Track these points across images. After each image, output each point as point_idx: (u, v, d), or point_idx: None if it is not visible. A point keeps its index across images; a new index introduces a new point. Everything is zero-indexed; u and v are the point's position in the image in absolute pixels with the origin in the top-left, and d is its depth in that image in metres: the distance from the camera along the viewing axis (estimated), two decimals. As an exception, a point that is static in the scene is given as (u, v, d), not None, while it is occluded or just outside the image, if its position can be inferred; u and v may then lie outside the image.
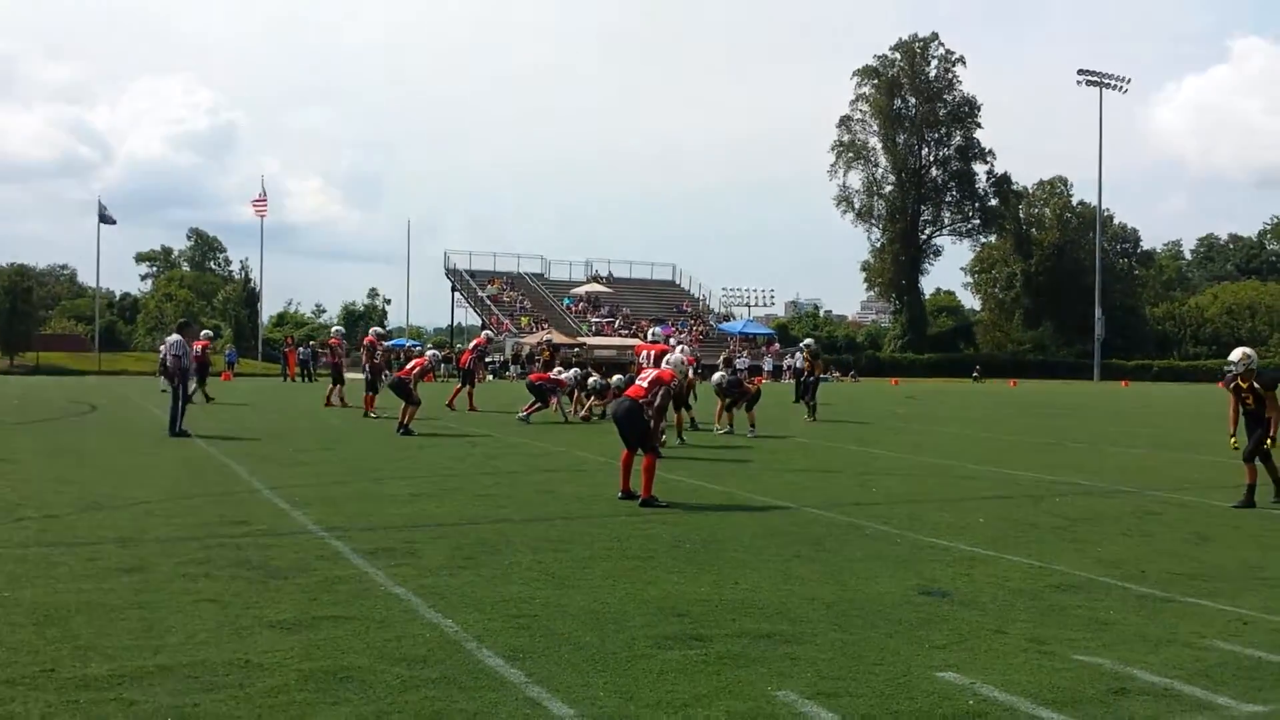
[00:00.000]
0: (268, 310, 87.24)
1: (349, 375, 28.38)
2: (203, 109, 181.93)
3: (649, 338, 17.13)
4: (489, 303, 69.13)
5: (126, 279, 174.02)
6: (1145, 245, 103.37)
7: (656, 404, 11.02)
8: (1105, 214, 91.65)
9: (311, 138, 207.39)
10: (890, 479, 13.47)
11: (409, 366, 19.81)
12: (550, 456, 15.41)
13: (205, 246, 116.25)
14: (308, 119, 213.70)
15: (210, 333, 32.84)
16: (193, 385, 25.72)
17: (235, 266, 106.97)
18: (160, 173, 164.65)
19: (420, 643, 5.71)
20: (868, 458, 16.23)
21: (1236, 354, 11.85)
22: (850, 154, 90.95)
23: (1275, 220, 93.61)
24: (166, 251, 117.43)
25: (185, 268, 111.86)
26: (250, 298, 73.32)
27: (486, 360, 50.28)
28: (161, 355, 18.87)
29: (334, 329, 28.55)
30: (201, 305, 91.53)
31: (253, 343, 69.50)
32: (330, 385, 26.93)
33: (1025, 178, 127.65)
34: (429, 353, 21.42)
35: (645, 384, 10.94)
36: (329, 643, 5.69)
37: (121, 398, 29.85)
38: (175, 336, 18.22)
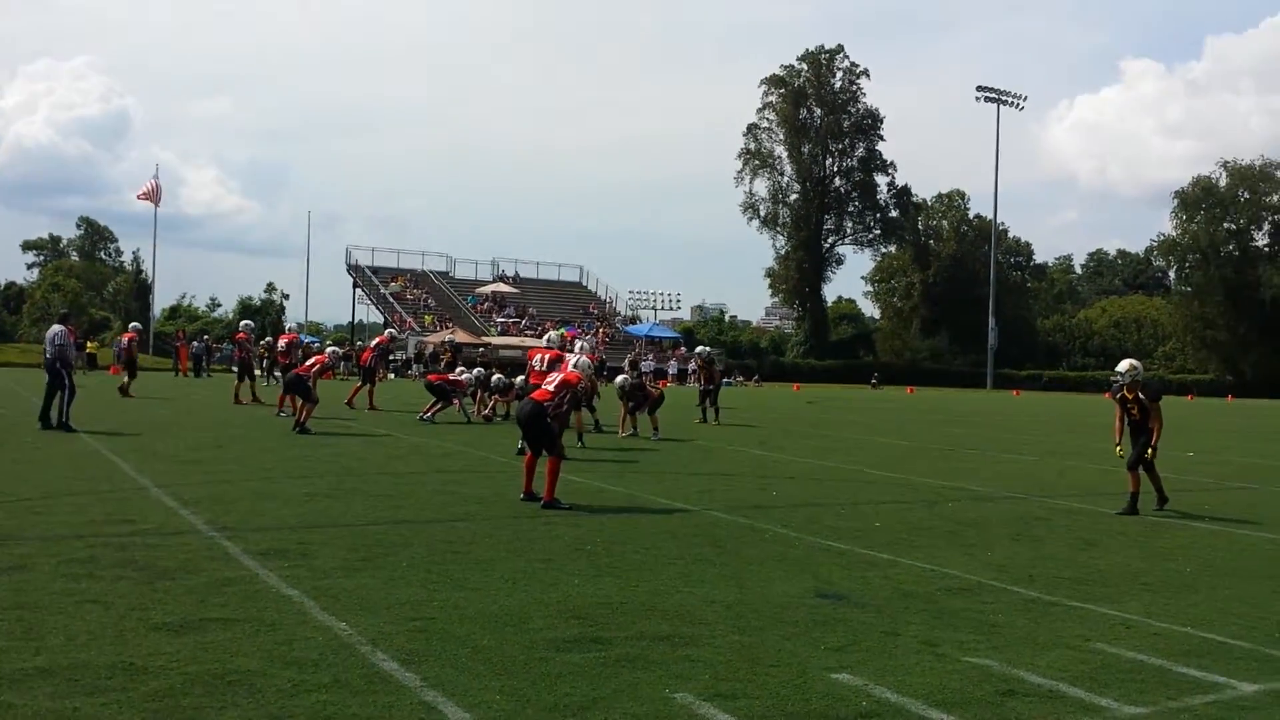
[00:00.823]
0: (160, 303, 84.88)
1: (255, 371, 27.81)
2: (95, 94, 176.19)
3: (545, 342, 17.03)
4: (392, 300, 68.25)
5: (12, 268, 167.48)
6: (1038, 259, 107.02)
7: (564, 407, 11.00)
8: (1000, 228, 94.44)
9: (209, 127, 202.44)
10: (790, 483, 13.63)
11: (308, 364, 19.44)
12: (451, 457, 15.26)
13: (95, 236, 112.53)
14: (206, 108, 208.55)
15: (139, 325, 31.67)
16: (124, 378, 25.44)
17: (127, 257, 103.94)
18: (49, 159, 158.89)
19: (312, 646, 5.59)
20: (769, 462, 16.40)
21: (1123, 365, 12.26)
22: (756, 161, 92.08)
23: (1161, 237, 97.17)
24: (55, 240, 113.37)
25: (74, 257, 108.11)
26: (142, 290, 71.34)
27: (389, 359, 49.71)
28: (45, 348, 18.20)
29: (242, 324, 27.93)
30: (91, 296, 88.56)
31: (144, 336, 67.46)
32: (236, 382, 26.40)
33: (925, 190, 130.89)
34: (329, 350, 21.04)
35: (552, 387, 10.90)
36: (217, 645, 5.54)
37: (4, 390, 28.72)
38: (57, 327, 17.61)
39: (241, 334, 26.93)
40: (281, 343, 25.72)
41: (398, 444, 16.95)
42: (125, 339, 26.44)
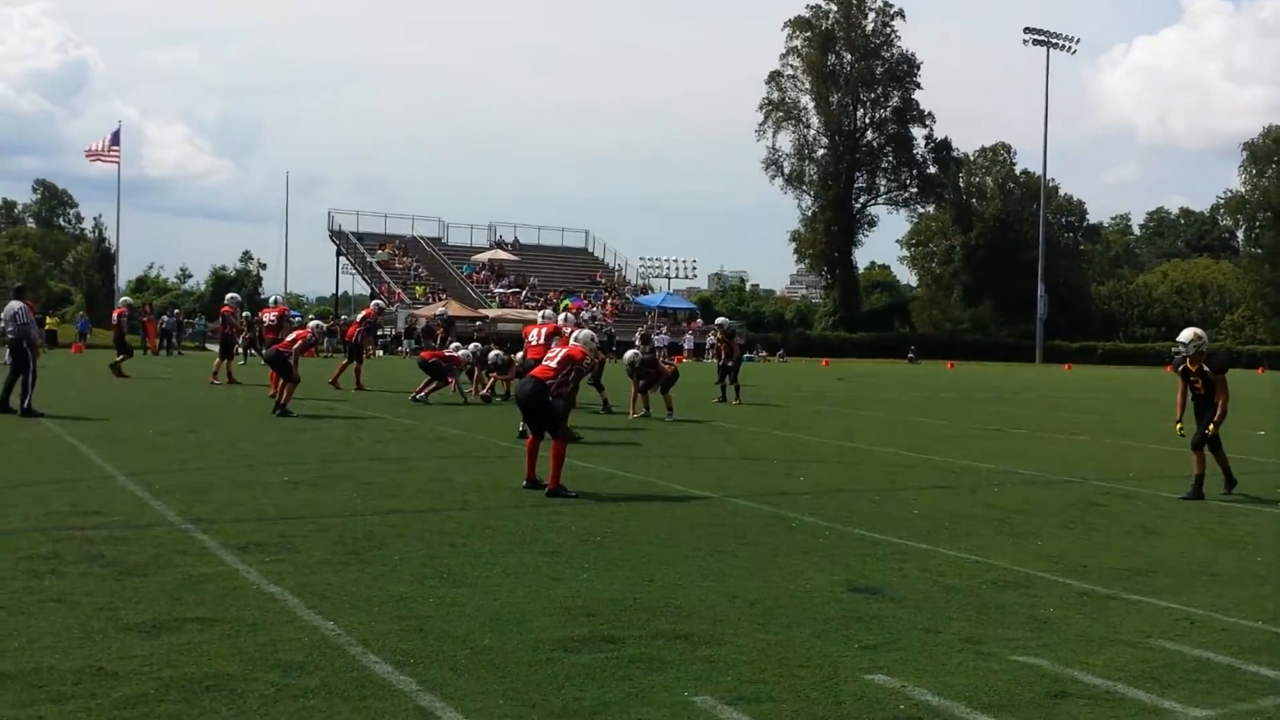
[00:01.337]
0: (125, 274, 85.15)
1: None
2: (51, 44, 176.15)
3: (540, 317, 17.06)
4: (379, 269, 68.34)
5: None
6: (1092, 219, 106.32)
7: (568, 385, 11.02)
8: (1050, 184, 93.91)
9: (176, 80, 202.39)
10: (819, 467, 13.65)
11: (289, 339, 19.44)
12: (447, 441, 15.31)
13: (53, 200, 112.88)
14: (171, 59, 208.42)
15: (129, 300, 31.58)
16: (116, 356, 25.58)
17: (88, 224, 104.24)
18: (1, 115, 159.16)
19: (298, 647, 5.63)
20: (795, 444, 16.43)
21: (1186, 335, 12.19)
22: (780, 113, 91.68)
23: (1229, 194, 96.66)
24: (9, 206, 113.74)
25: (30, 224, 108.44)
26: (105, 260, 71.40)
27: (376, 334, 49.93)
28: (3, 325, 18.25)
29: (229, 296, 27.94)
30: (49, 267, 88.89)
31: (107, 310, 67.74)
32: (217, 360, 26.53)
33: (966, 144, 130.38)
34: (312, 324, 21.05)
35: (554, 363, 10.92)
36: (194, 648, 5.58)
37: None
38: (15, 303, 17.66)
39: (227, 307, 26.99)
40: (269, 316, 25.59)
41: (388, 427, 17.00)
42: (115, 314, 27.01)
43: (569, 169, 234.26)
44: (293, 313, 48.73)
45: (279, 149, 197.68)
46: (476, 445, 14.90)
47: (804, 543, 8.73)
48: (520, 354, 20.92)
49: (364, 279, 71.51)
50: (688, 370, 31.78)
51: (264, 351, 19.99)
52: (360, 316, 27.94)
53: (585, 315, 63.01)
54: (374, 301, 30.86)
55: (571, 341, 11.56)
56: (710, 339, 58.10)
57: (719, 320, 27.13)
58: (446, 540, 8.34)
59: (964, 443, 17.54)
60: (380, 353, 54.85)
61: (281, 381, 18.73)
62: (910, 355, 73.30)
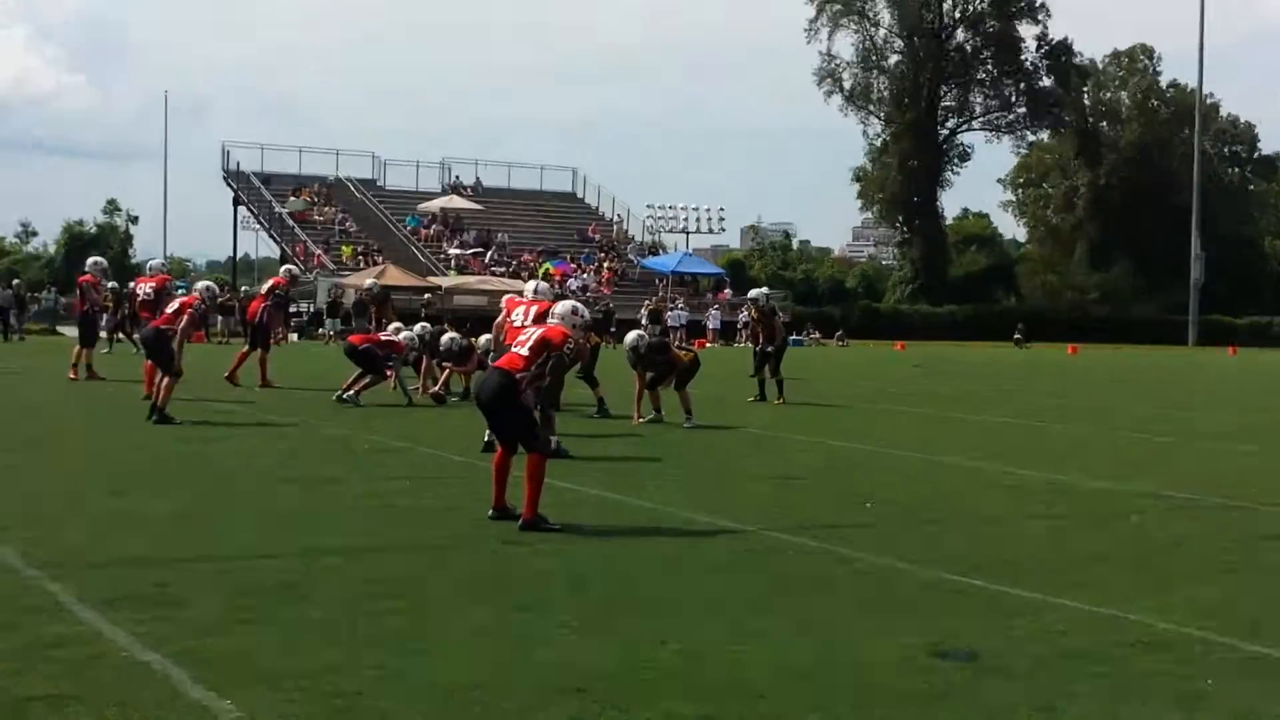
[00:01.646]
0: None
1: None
2: None
3: (531, 292, 16.82)
4: (292, 223, 68.52)
5: None
6: (1264, 148, 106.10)
7: (545, 379, 10.99)
8: (1208, 101, 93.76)
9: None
10: (890, 489, 13.64)
11: (171, 310, 19.32)
12: (386, 456, 15.34)
13: None
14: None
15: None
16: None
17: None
18: None
19: (184, 735, 5.64)
20: (858, 458, 16.43)
21: None
22: (838, 6, 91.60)
23: None
24: None
25: None
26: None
27: (289, 312, 49.91)
28: None
29: (90, 261, 27.66)
30: None
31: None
32: (77, 346, 26.47)
33: (1093, 47, 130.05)
34: (200, 285, 20.93)
35: (525, 350, 10.90)
36: (42, 737, 5.59)
37: None
38: None
39: (88, 276, 26.83)
40: (145, 288, 24.99)
41: (306, 437, 17.00)
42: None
43: (549, 84, 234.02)
44: (177, 284, 48.66)
45: (153, 61, 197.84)
46: (426, 461, 14.89)
47: (871, 592, 8.73)
48: (485, 338, 20.92)
49: (271, 237, 71.72)
50: (712, 358, 31.77)
51: (140, 333, 19.86)
52: (267, 288, 27.85)
53: (572, 285, 63.05)
54: (285, 268, 30.83)
55: (549, 319, 11.54)
56: (743, 316, 58.06)
57: (754, 292, 26.72)
58: (384, 590, 8.35)
59: (1089, 455, 17.51)
60: (294, 336, 54.94)
61: (160, 375, 18.70)
62: (1017, 337, 73.33)
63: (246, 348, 26.43)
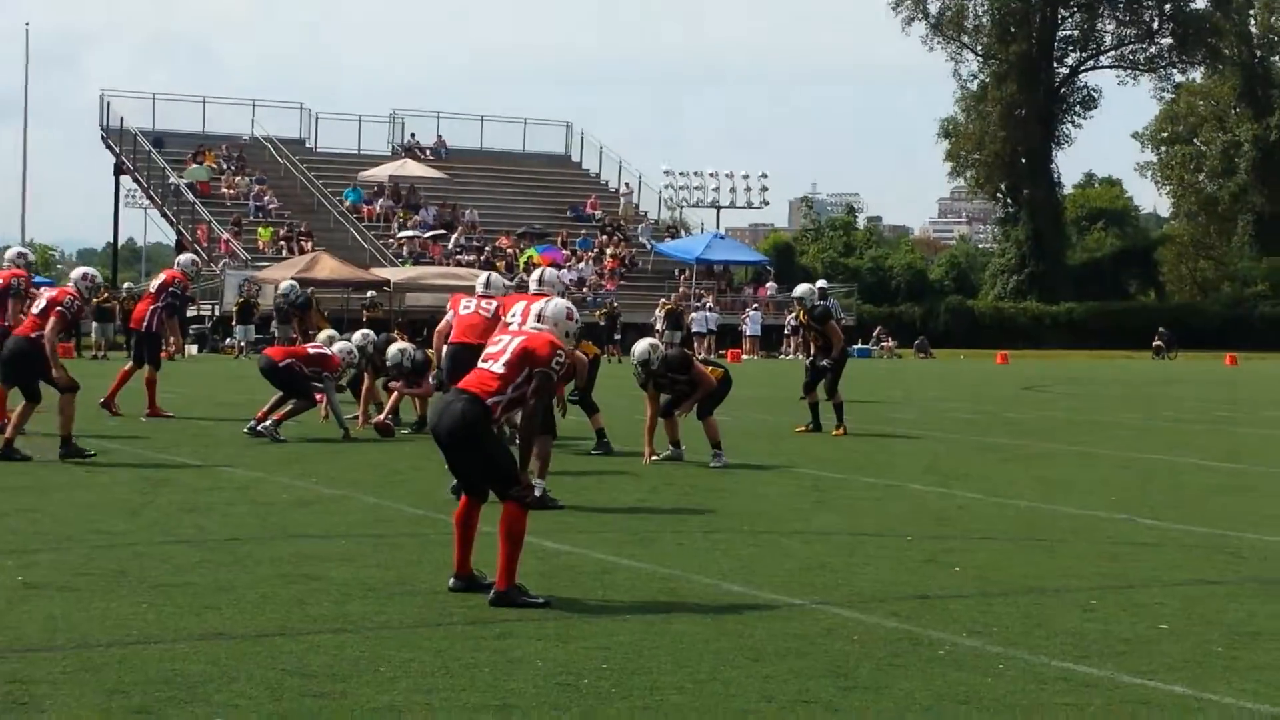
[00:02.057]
0: None
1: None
2: None
3: (537, 283, 16.88)
4: (192, 198, 68.52)
5: None
6: None
7: (526, 404, 10.97)
8: None
9: None
10: (986, 547, 13.66)
11: (35, 310, 19.35)
12: (313, 507, 15.35)
13: None
14: None
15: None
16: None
17: None
18: None
19: None
20: (944, 506, 16.45)
21: None
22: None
23: None
24: None
25: None
26: None
27: (186, 316, 49.98)
28: None
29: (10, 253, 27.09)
30: None
31: None
32: None
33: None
34: (75, 274, 20.83)
35: (501, 366, 10.89)
36: None
37: None
38: None
39: None
40: None
41: (206, 481, 16.99)
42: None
43: (534, 8, 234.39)
44: (38, 280, 48.58)
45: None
46: (367, 514, 14.90)
47: (964, 686, 8.72)
48: (448, 348, 20.90)
49: (165, 216, 71.72)
50: (748, 374, 31.59)
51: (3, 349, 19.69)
52: (157, 285, 27.65)
53: (567, 276, 62.14)
54: (181, 257, 30.72)
55: (531, 323, 11.51)
56: (791, 319, 58.02)
57: (800, 289, 26.33)
58: (309, 687, 8.36)
59: (1253, 499, 17.49)
60: (194, 349, 54.97)
61: (23, 403, 18.80)
62: (1158, 344, 73.17)
63: (130, 364, 26.39)
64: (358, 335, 24.12)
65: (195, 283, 31.98)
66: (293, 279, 36.05)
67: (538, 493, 15.41)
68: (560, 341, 11.23)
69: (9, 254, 25.15)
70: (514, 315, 16.15)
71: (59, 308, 18.99)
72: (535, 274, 17.64)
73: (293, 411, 22.15)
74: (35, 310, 19.33)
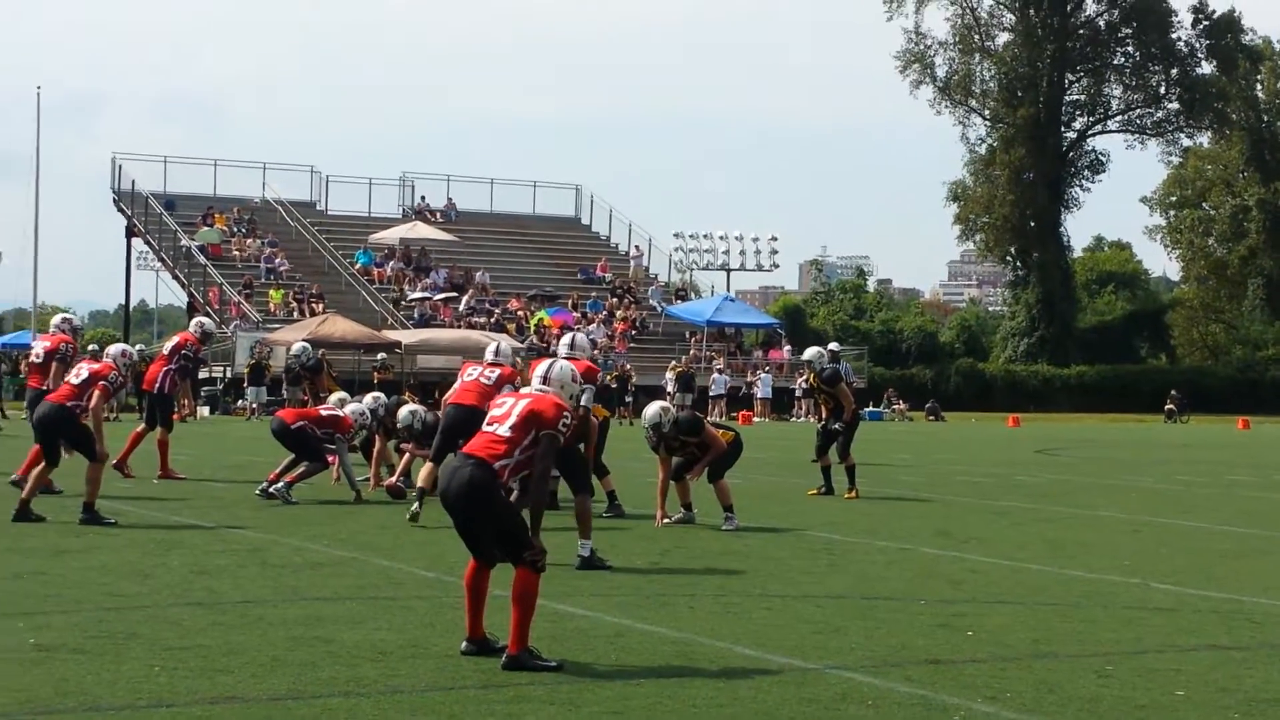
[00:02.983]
0: None
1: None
2: None
3: (568, 348, 17.02)
4: (204, 260, 68.65)
5: None
6: None
7: (535, 467, 10.94)
8: None
9: None
10: (999, 612, 13.62)
11: (75, 382, 19.51)
12: (324, 570, 15.34)
13: None
14: None
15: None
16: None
17: None
18: None
19: None
20: (957, 569, 16.43)
21: None
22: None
23: None
24: None
25: None
26: None
27: (198, 378, 50.15)
28: None
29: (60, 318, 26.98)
30: None
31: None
32: None
33: (1267, 23, 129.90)
34: (114, 351, 20.82)
35: (507, 429, 10.88)
36: None
37: None
38: None
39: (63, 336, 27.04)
40: (36, 348, 25.13)
41: (218, 544, 16.99)
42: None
43: (546, 73, 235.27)
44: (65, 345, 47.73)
45: (21, 44, 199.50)
46: (379, 576, 14.89)
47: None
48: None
49: (176, 278, 71.86)
50: (760, 436, 31.58)
51: (37, 412, 19.85)
52: (170, 347, 27.62)
53: (581, 339, 61.52)
54: (196, 320, 30.76)
55: (536, 385, 11.47)
56: (801, 382, 58.01)
57: (810, 352, 26.24)
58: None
59: (1262, 564, 17.49)
60: (206, 410, 55.01)
61: (43, 464, 18.94)
62: (1170, 407, 73.09)
63: (142, 425, 26.41)
64: (369, 397, 24.11)
65: (208, 345, 32.03)
66: (305, 341, 35.98)
67: (584, 552, 15.55)
68: (565, 403, 11.24)
69: (55, 320, 25.41)
70: (538, 375, 16.27)
71: (103, 382, 19.35)
72: (566, 339, 17.73)
73: (305, 474, 22.15)
74: (74, 380, 19.53)
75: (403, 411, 23.09)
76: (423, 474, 19.43)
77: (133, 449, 25.62)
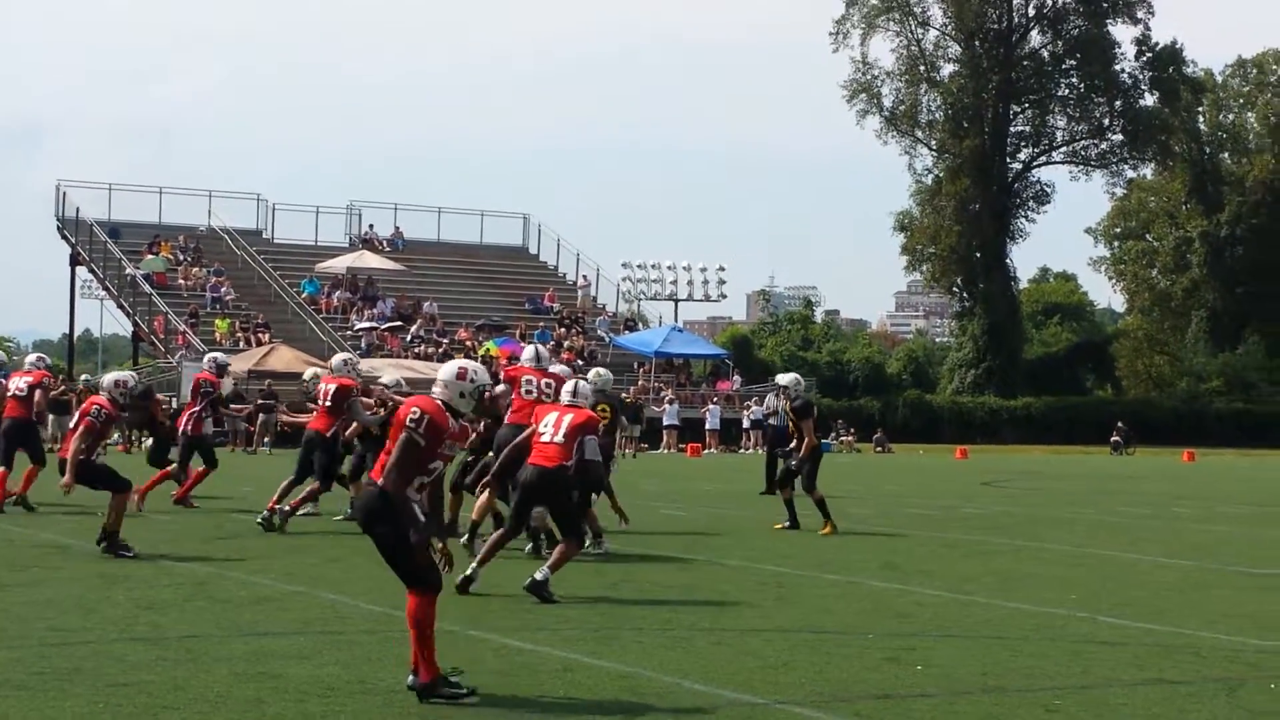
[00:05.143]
0: None
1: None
2: None
3: (570, 395, 17.15)
4: (149, 289, 68.27)
5: None
6: None
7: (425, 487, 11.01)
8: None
9: None
10: (950, 645, 13.65)
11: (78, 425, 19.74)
12: (269, 604, 15.34)
13: None
14: None
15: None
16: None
17: None
18: None
19: None
20: (904, 602, 16.46)
21: None
22: (874, 1, 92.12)
23: None
24: None
25: None
26: None
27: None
28: None
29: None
30: None
31: None
32: None
33: (1210, 55, 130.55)
34: (108, 381, 20.83)
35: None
36: None
37: None
38: None
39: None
40: (19, 384, 26.04)
41: (165, 578, 16.97)
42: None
43: (492, 99, 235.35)
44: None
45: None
46: (325, 610, 14.87)
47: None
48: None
49: (121, 307, 71.48)
50: (709, 468, 31.48)
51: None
52: (194, 388, 28.69)
53: (584, 388, 60.87)
54: (209, 357, 31.05)
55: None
56: (758, 410, 57.71)
57: (786, 378, 25.51)
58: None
59: (1223, 597, 17.58)
60: (150, 441, 54.74)
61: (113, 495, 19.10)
62: (1115, 439, 73.38)
63: (203, 467, 27.22)
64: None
65: (225, 377, 32.57)
66: (227, 373, 35.68)
67: (539, 576, 15.53)
68: (427, 404, 11.15)
69: (30, 359, 28.54)
70: (546, 425, 16.34)
71: (88, 417, 19.50)
72: (569, 386, 17.58)
73: (307, 496, 22.77)
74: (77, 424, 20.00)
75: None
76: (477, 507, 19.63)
77: (194, 484, 26.82)
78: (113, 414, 19.87)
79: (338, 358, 23.53)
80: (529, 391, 19.27)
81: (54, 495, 23.79)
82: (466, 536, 19.09)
